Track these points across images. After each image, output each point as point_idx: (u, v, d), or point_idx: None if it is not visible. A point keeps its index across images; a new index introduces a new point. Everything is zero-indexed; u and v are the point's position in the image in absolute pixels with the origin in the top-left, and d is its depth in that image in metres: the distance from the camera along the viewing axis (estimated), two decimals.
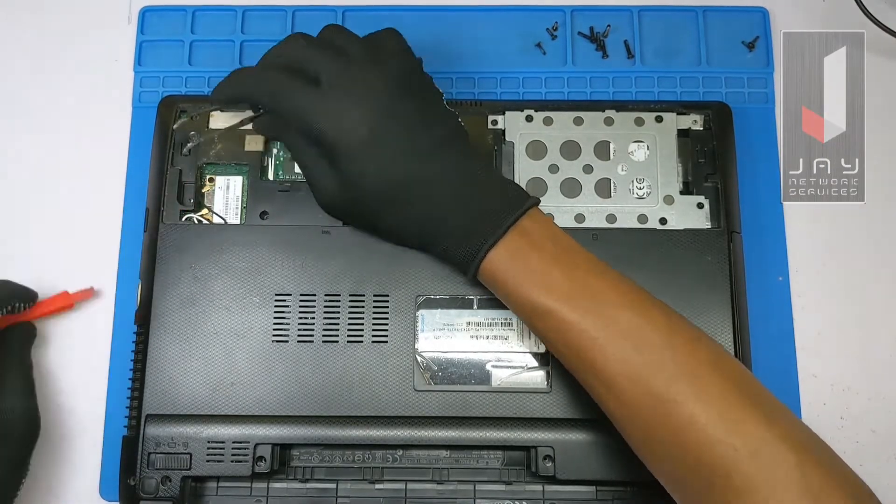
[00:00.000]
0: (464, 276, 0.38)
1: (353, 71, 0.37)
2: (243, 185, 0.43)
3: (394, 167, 0.37)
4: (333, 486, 0.39)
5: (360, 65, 0.38)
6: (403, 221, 0.38)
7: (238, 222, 0.42)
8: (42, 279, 0.44)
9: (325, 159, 0.38)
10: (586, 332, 0.34)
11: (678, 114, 0.44)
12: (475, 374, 0.40)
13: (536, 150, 0.44)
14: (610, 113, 0.44)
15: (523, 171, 0.43)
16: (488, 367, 0.40)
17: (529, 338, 0.41)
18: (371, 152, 0.36)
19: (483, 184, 0.38)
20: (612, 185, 0.43)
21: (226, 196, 0.43)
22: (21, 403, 0.39)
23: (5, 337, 0.41)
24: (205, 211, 0.43)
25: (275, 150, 0.44)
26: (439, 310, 0.41)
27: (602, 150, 0.44)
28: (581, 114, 0.44)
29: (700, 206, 0.42)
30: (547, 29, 0.48)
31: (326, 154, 0.37)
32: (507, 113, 0.44)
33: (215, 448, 0.38)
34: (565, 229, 0.42)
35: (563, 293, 0.35)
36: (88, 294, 0.44)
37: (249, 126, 0.43)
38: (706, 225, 0.42)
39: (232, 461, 0.38)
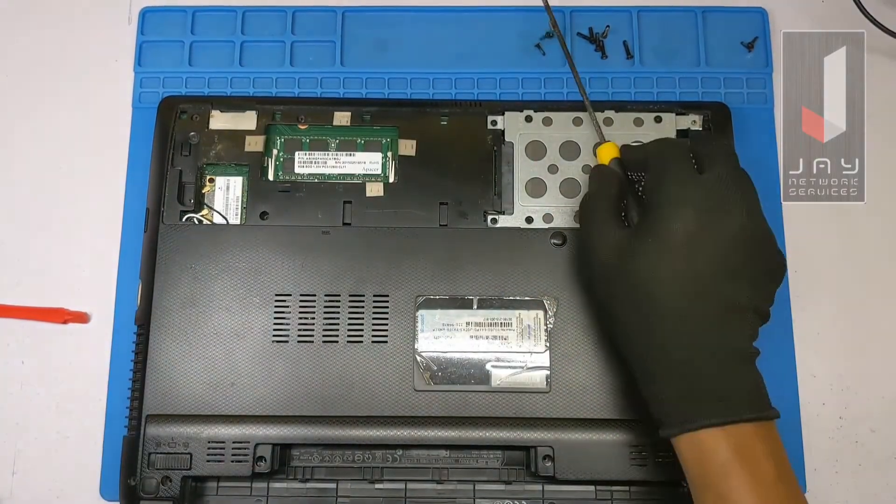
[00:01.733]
0: (660, 429, 0.34)
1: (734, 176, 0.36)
2: (243, 186, 0.43)
3: (697, 272, 0.33)
4: (333, 485, 0.39)
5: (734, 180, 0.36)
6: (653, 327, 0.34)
7: (238, 223, 0.42)
8: (41, 279, 0.44)
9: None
10: None
11: (677, 114, 0.44)
12: (475, 374, 0.40)
13: (536, 150, 0.44)
14: (609, 113, 0.44)
15: (523, 171, 0.43)
16: (488, 367, 0.40)
17: (529, 338, 0.41)
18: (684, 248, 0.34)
19: (748, 364, 0.34)
20: None
21: (226, 196, 0.43)
22: None
23: None
24: (205, 211, 0.43)
25: (275, 151, 0.44)
26: (439, 310, 0.41)
27: None
28: (580, 114, 0.44)
29: None
30: (547, 32, 0.48)
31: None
32: (506, 113, 0.44)
33: (215, 448, 0.39)
34: (564, 230, 0.42)
35: None
36: (82, 319, 0.44)
37: (249, 126, 0.43)
38: None
39: (232, 461, 0.38)
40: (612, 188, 0.38)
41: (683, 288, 0.34)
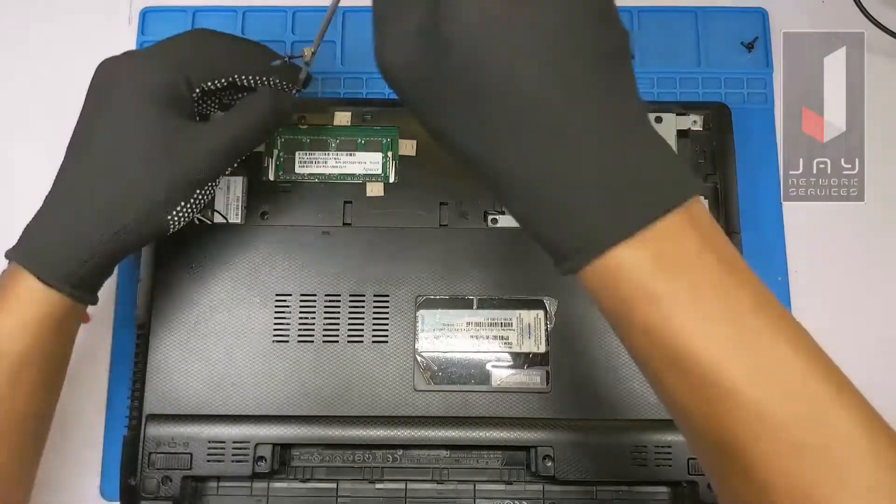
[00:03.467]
0: (557, 265, 0.26)
1: None
2: (243, 186, 0.43)
3: (530, 55, 0.24)
4: (334, 485, 0.39)
5: None
6: (504, 142, 0.25)
7: (238, 222, 0.42)
8: None
9: None
10: (750, 408, 0.23)
11: (677, 114, 0.44)
12: (475, 374, 0.40)
13: None
14: None
15: None
16: (488, 366, 0.40)
17: (529, 338, 0.41)
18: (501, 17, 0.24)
19: (637, 137, 0.25)
20: None
21: (226, 196, 0.43)
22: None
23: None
24: (206, 210, 0.43)
25: (275, 151, 0.44)
26: (439, 310, 0.41)
27: None
28: None
29: None
30: None
31: None
32: None
33: (216, 448, 0.39)
34: None
35: (722, 342, 0.23)
36: (84, 319, 0.43)
37: None
38: None
39: (232, 461, 0.38)
40: None
41: (535, 46, 0.24)
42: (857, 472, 0.23)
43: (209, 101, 0.38)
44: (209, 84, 0.36)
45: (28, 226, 0.34)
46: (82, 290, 0.34)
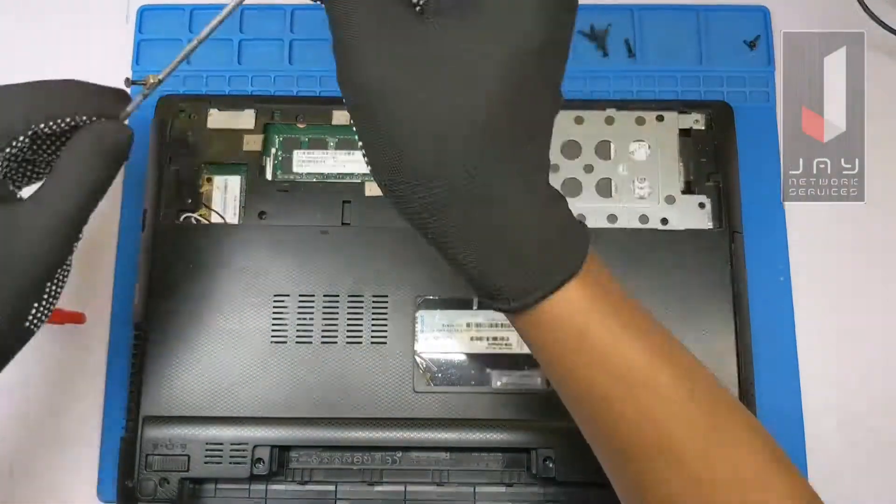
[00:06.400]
0: (500, 306, 0.28)
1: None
2: (241, 185, 0.43)
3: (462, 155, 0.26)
4: (332, 487, 0.39)
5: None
6: (452, 232, 0.27)
7: (236, 222, 0.42)
8: None
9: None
10: (676, 402, 0.28)
11: (679, 113, 0.44)
12: (475, 376, 0.40)
13: None
14: (611, 112, 0.44)
15: None
16: (488, 368, 0.40)
17: None
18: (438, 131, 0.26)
19: (551, 195, 0.29)
20: (613, 184, 0.43)
21: (224, 196, 0.43)
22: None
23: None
24: (203, 210, 0.42)
25: (273, 150, 0.44)
26: (439, 311, 0.41)
27: (603, 149, 0.43)
28: (581, 113, 0.44)
29: (701, 205, 0.42)
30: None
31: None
32: None
33: (213, 450, 0.38)
34: None
35: (652, 352, 0.28)
36: (78, 319, 0.43)
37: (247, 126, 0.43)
38: (708, 225, 0.42)
39: (230, 463, 0.38)
40: None
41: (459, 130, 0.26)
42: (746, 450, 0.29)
43: (26, 165, 0.31)
44: (8, 149, 0.29)
45: None
46: None
